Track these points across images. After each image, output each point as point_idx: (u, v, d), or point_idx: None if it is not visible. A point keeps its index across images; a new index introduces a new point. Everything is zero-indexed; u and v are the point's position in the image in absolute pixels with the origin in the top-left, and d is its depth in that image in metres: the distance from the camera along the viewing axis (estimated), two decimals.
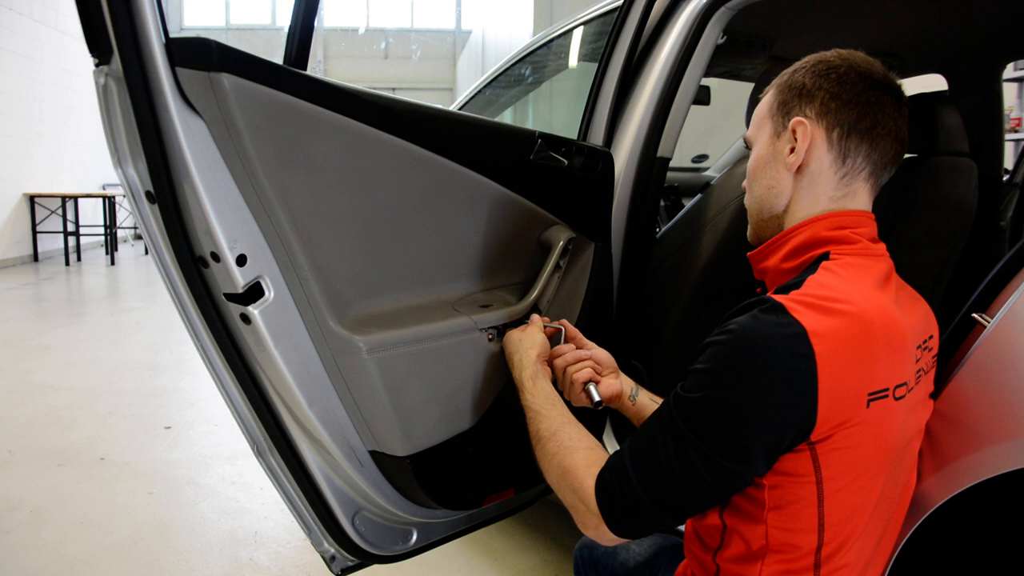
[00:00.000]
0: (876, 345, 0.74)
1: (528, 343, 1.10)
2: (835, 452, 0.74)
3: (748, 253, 0.94)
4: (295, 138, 0.95)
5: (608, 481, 0.80)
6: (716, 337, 0.76)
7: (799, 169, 0.86)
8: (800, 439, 0.73)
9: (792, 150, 0.86)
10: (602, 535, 0.81)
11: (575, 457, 0.86)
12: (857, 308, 0.74)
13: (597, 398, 1.06)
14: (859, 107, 0.83)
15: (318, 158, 0.98)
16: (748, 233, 0.95)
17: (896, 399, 0.77)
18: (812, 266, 0.82)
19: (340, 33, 16.29)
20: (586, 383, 1.07)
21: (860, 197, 0.86)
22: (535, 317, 1.17)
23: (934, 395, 0.91)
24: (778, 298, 0.75)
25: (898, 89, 0.86)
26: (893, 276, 0.87)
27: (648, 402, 1.09)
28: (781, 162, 0.87)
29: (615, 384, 1.09)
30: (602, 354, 1.12)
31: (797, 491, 0.76)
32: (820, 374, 0.70)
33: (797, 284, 0.78)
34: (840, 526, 0.78)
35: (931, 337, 0.88)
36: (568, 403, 1.02)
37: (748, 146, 0.94)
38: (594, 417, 0.98)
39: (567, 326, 1.16)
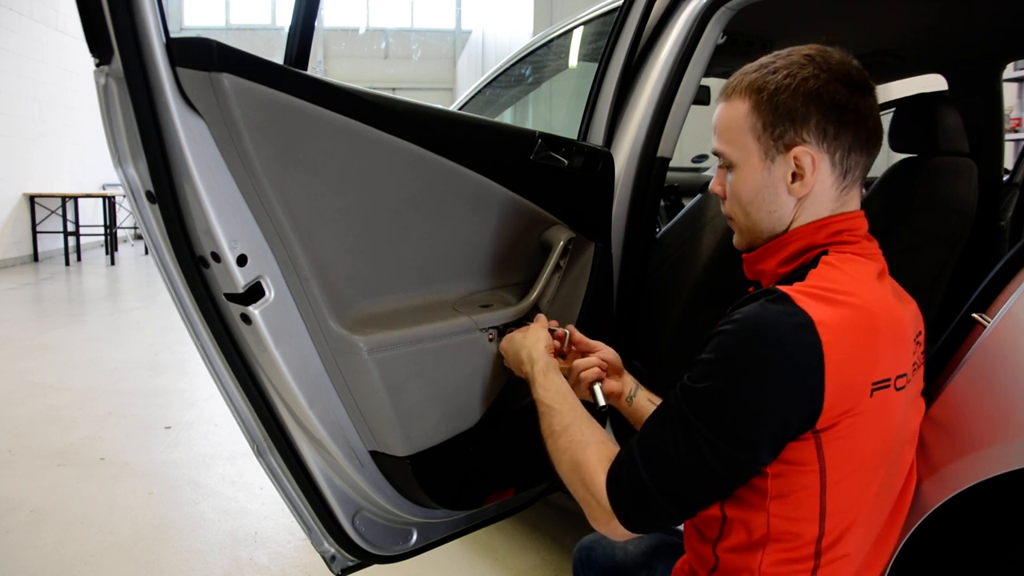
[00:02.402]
0: (879, 335, 0.76)
1: (534, 338, 1.10)
2: (839, 441, 0.75)
3: (744, 255, 0.94)
4: (295, 138, 0.95)
5: (618, 474, 0.80)
6: (722, 327, 0.76)
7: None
8: (805, 427, 0.74)
9: (795, 176, 0.83)
10: (614, 530, 0.81)
11: (587, 452, 0.86)
12: (860, 300, 0.75)
13: (602, 402, 1.06)
14: (855, 124, 0.82)
15: (318, 158, 0.98)
16: (737, 242, 0.94)
17: (897, 389, 0.79)
18: (813, 262, 0.82)
19: (340, 33, 16.28)
20: (592, 383, 1.08)
21: (854, 199, 0.87)
22: (540, 317, 1.17)
23: (928, 394, 0.92)
24: (783, 289, 0.75)
25: (870, 79, 0.84)
26: (887, 274, 0.88)
27: (646, 403, 1.09)
28: (782, 188, 0.84)
29: (616, 385, 1.11)
30: (609, 353, 1.12)
31: (800, 479, 0.77)
32: (827, 363, 0.71)
33: (800, 276, 0.79)
34: (841, 515, 0.79)
35: (920, 332, 0.89)
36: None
37: (719, 156, 0.89)
38: (597, 415, 0.99)
39: (573, 330, 1.16)
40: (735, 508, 0.82)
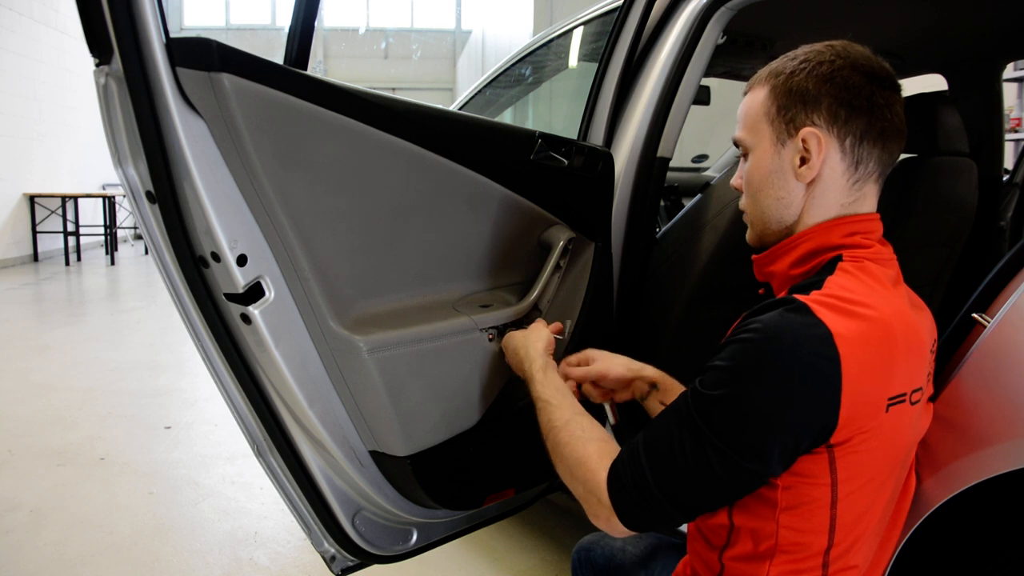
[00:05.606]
0: (896, 350, 0.74)
1: (534, 337, 1.10)
2: (852, 455, 0.74)
3: (753, 256, 0.93)
4: (295, 138, 0.95)
5: (621, 473, 0.80)
6: (740, 335, 0.75)
7: (811, 179, 0.84)
8: (819, 441, 0.73)
9: (803, 160, 0.82)
10: (613, 527, 0.80)
11: (587, 448, 0.86)
12: (879, 313, 0.74)
13: (612, 420, 1.07)
14: (870, 112, 0.81)
15: (318, 158, 0.98)
16: (749, 237, 0.93)
17: (912, 403, 0.77)
18: (828, 266, 0.81)
19: (340, 33, 16.28)
20: (602, 402, 1.09)
21: (869, 199, 0.85)
22: (540, 320, 1.17)
23: (932, 396, 0.91)
24: (802, 298, 0.74)
25: (896, 80, 0.84)
26: (901, 281, 0.86)
27: (657, 406, 1.08)
28: (790, 172, 0.84)
29: (625, 397, 1.11)
30: (613, 368, 1.09)
31: (811, 492, 0.76)
32: (844, 377, 0.70)
33: (817, 284, 0.77)
34: (851, 527, 0.78)
35: (935, 341, 0.88)
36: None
37: (738, 146, 0.90)
38: (597, 414, 0.99)
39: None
40: (743, 517, 0.81)
